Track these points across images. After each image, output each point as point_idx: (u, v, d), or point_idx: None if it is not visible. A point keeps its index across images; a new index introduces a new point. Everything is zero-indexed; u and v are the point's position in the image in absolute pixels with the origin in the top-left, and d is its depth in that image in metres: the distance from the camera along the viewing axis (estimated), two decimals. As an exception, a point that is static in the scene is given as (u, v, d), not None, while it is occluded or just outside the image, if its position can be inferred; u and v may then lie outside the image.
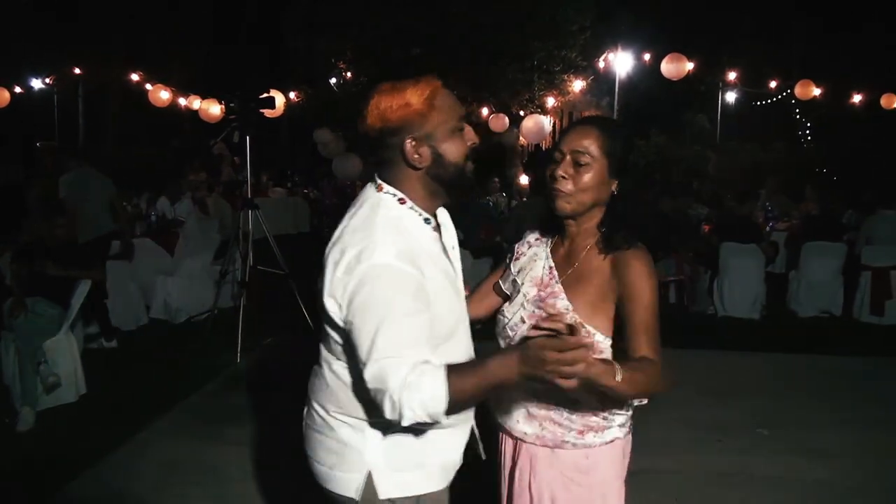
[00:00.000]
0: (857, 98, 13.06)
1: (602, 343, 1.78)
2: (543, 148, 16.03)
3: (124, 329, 6.74)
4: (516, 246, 2.04)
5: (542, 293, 1.86)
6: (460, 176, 1.75)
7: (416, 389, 1.46)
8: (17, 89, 13.32)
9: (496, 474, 2.08)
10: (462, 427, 1.82)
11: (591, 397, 1.77)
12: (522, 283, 1.92)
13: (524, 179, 12.32)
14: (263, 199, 11.64)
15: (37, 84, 14.14)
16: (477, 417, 1.94)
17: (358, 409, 1.71)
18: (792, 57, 17.26)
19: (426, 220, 1.74)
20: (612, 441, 1.88)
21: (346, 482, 1.73)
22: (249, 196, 6.42)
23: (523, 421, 1.90)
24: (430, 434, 1.72)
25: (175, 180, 9.68)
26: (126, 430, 4.38)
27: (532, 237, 2.02)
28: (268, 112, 6.41)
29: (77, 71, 14.38)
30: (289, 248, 6.42)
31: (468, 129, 1.76)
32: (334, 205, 13.46)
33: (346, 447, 1.73)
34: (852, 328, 7.30)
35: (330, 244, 1.69)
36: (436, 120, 1.69)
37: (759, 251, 7.52)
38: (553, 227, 1.94)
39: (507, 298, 1.99)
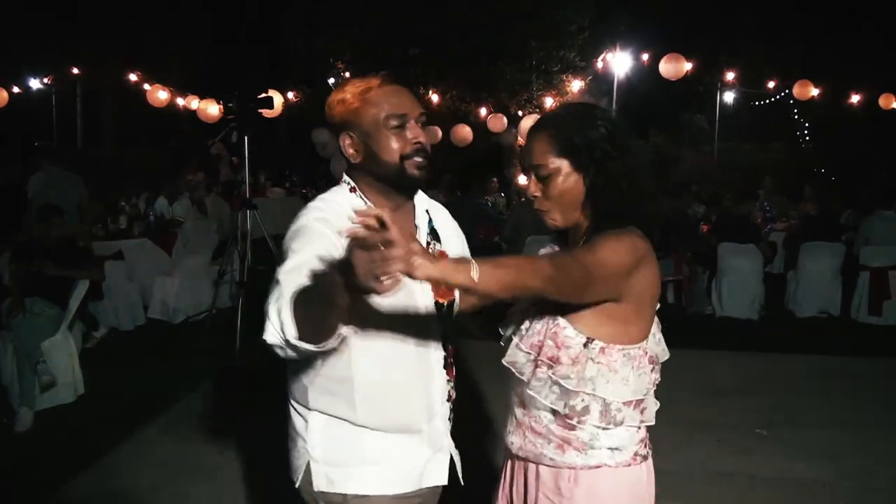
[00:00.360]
0: (855, 98, 13.05)
1: (572, 339, 1.60)
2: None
3: (122, 329, 6.75)
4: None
5: None
6: (398, 174, 1.73)
7: (274, 304, 1.47)
8: (16, 89, 13.30)
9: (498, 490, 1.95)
10: (416, 441, 1.79)
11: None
12: None
13: (522, 179, 12.32)
14: (262, 199, 11.62)
15: (35, 84, 14.12)
16: (457, 441, 1.91)
17: (303, 397, 1.77)
18: (790, 57, 17.26)
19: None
20: (598, 467, 1.64)
21: (294, 469, 1.82)
22: (248, 196, 6.41)
23: (513, 430, 1.75)
24: (369, 434, 1.74)
25: (173, 180, 9.67)
26: (124, 431, 4.38)
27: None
28: (266, 112, 6.40)
29: (75, 71, 14.37)
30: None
31: (413, 127, 1.72)
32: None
33: (296, 435, 1.81)
34: (851, 328, 7.30)
35: None
36: (369, 116, 1.71)
37: (758, 251, 7.53)
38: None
39: None
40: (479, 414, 4.29)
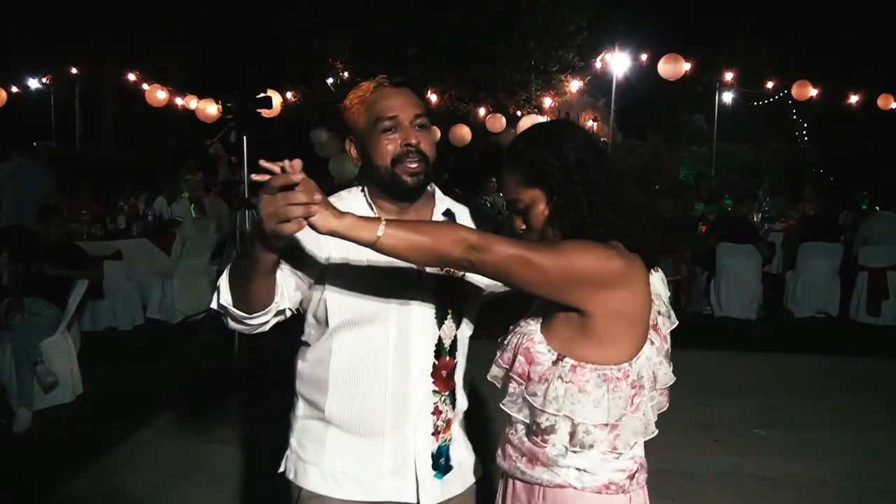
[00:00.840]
0: (854, 98, 13.05)
1: (543, 355, 1.53)
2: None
3: (121, 329, 6.75)
4: None
5: (532, 306, 1.69)
6: (391, 178, 1.69)
7: (222, 275, 1.62)
8: (14, 89, 13.28)
9: None
10: (380, 448, 1.73)
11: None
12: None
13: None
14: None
15: (34, 84, 14.10)
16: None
17: (296, 381, 1.82)
18: (789, 57, 17.26)
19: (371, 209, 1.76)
20: (563, 487, 1.54)
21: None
22: (246, 196, 6.41)
23: (501, 444, 1.68)
24: (335, 433, 1.74)
25: (173, 180, 9.66)
26: (123, 431, 4.37)
27: None
28: (265, 112, 6.40)
29: (74, 71, 14.35)
30: (286, 248, 6.42)
31: (405, 129, 1.68)
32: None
33: (289, 419, 1.85)
34: (849, 328, 7.31)
35: None
36: (364, 119, 1.72)
37: (756, 251, 7.53)
38: None
39: None
40: (487, 428, 4.29)
